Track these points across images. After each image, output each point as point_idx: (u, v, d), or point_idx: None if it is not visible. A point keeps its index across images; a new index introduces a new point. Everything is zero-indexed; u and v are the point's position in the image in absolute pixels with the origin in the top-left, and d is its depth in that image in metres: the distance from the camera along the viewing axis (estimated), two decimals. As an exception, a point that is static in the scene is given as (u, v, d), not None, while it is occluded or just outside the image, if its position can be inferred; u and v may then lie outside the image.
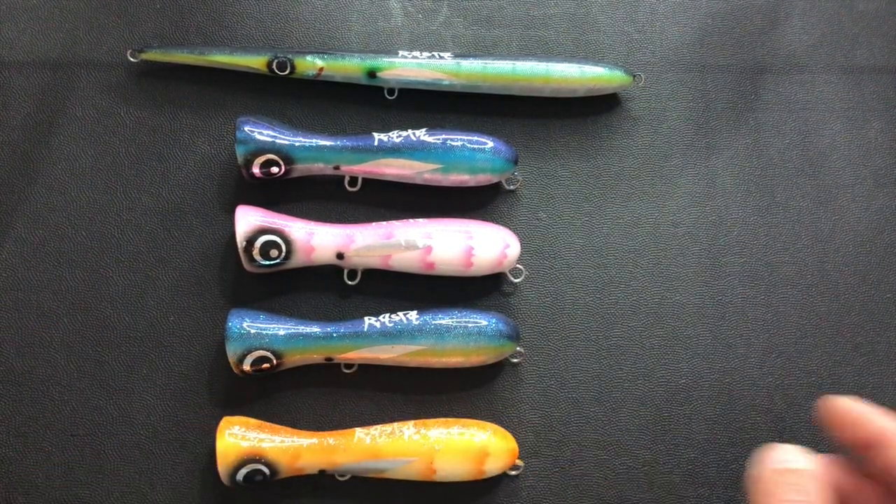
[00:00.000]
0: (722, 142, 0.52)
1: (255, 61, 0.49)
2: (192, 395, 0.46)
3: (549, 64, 0.49)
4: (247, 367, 0.43)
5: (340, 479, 0.44)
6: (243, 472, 0.42)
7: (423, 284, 0.48)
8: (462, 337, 0.44)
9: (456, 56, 0.49)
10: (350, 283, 0.47)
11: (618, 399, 0.47)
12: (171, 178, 0.49)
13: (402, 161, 0.47)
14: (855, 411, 0.32)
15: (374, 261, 0.46)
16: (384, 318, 0.45)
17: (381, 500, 0.45)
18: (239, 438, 0.42)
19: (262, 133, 0.46)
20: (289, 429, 0.44)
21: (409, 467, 0.43)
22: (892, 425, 0.31)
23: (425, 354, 0.44)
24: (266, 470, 0.42)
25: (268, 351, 0.43)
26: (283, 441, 0.43)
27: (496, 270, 0.47)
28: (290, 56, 0.49)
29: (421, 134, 0.47)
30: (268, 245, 0.44)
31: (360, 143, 0.47)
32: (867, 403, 0.32)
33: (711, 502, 0.47)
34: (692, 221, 0.50)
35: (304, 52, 0.49)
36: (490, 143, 0.47)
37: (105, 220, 0.48)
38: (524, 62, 0.49)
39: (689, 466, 0.47)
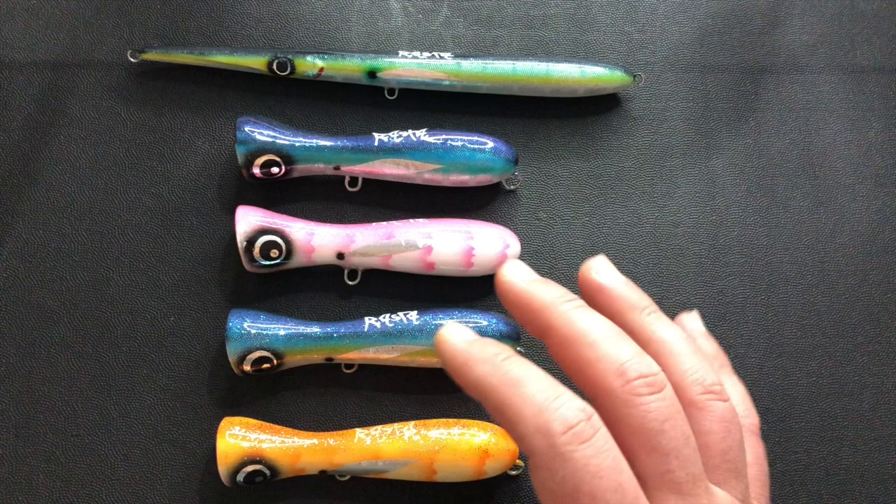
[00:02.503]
0: (722, 142, 0.52)
1: (256, 61, 0.49)
2: (192, 395, 0.46)
3: (549, 64, 0.49)
4: (247, 367, 0.43)
5: (341, 479, 0.44)
6: (244, 472, 0.42)
7: (424, 284, 0.48)
8: (462, 337, 0.44)
9: (456, 56, 0.49)
10: (350, 283, 0.47)
11: (618, 399, 0.47)
12: (171, 177, 0.49)
13: (402, 161, 0.47)
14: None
15: (374, 261, 0.46)
16: (384, 318, 0.45)
17: (381, 500, 0.45)
18: (239, 439, 0.42)
19: (263, 133, 0.46)
20: (289, 429, 0.44)
21: (410, 468, 0.43)
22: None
23: (426, 354, 0.44)
24: (266, 470, 0.42)
25: (268, 351, 0.43)
26: (283, 441, 0.43)
27: (496, 270, 0.47)
28: (290, 56, 0.49)
29: (421, 134, 0.47)
30: (268, 245, 0.44)
31: (361, 144, 0.47)
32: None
33: (711, 502, 0.47)
34: (692, 221, 0.50)
35: (304, 53, 0.49)
36: (490, 143, 0.47)
37: (105, 219, 0.48)
38: (524, 62, 0.49)
39: (690, 466, 0.47)
